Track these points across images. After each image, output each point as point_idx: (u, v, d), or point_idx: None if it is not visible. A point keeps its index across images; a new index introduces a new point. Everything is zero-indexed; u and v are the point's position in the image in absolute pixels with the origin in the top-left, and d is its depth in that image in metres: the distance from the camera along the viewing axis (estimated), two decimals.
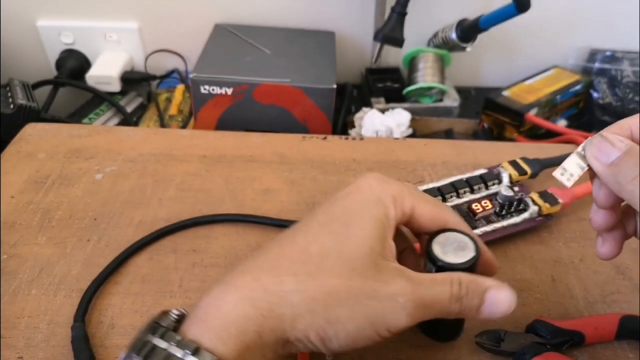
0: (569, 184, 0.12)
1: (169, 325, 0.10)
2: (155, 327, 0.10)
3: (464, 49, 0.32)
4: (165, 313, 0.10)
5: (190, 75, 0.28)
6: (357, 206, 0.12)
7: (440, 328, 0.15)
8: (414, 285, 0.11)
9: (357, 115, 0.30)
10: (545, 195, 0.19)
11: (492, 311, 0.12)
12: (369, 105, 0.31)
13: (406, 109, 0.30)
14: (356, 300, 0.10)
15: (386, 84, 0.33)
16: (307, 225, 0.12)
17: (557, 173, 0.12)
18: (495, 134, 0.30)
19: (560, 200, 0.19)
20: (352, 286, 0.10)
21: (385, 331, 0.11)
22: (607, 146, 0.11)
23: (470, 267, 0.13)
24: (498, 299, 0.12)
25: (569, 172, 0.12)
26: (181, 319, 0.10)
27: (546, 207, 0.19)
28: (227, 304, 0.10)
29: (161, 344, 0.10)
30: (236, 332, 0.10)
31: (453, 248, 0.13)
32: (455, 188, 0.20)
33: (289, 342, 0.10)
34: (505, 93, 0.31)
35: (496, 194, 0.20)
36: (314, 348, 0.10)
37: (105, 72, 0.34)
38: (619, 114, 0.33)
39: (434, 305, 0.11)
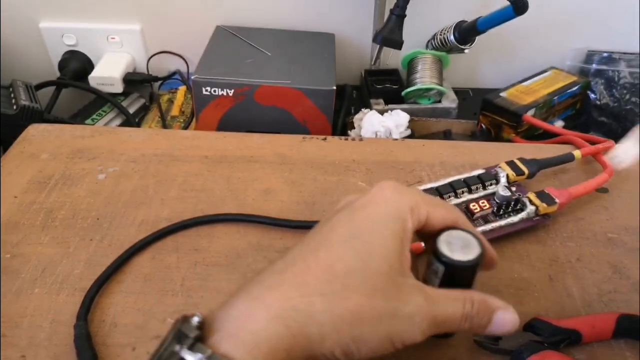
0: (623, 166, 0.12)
1: (194, 334, 0.10)
2: (180, 335, 0.10)
3: (462, 50, 0.33)
4: (186, 319, 0.10)
5: (192, 77, 0.28)
6: (376, 220, 0.12)
7: None
8: (430, 304, 0.12)
9: (357, 117, 0.30)
10: (543, 195, 0.20)
11: (496, 330, 0.12)
12: (368, 106, 0.32)
13: (405, 110, 0.30)
14: (379, 319, 0.11)
15: (385, 86, 0.33)
16: (328, 239, 0.12)
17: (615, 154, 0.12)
18: (493, 134, 0.31)
19: (557, 200, 0.19)
20: (376, 306, 0.11)
21: (400, 344, 0.11)
22: None
23: (477, 264, 0.13)
24: (504, 319, 0.12)
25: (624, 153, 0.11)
26: (201, 326, 0.10)
27: (543, 207, 0.19)
28: (258, 321, 0.10)
29: (190, 357, 0.09)
30: (267, 350, 0.10)
31: (459, 246, 0.14)
32: (453, 188, 0.20)
33: (314, 358, 0.10)
34: (503, 94, 0.31)
35: (494, 194, 0.20)
36: None
37: (107, 73, 0.34)
38: (616, 115, 0.33)
39: (446, 323, 0.12)
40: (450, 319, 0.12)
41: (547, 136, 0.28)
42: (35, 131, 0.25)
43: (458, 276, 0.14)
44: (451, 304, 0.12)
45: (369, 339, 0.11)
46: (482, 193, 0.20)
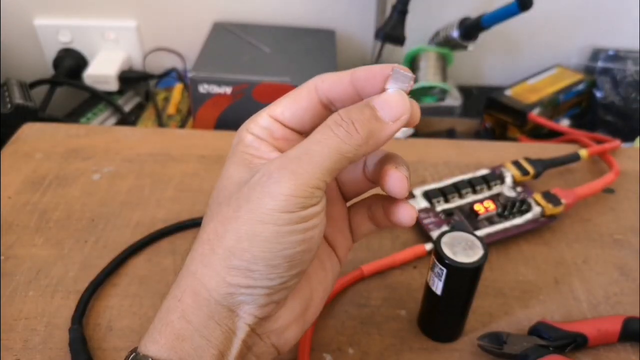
0: None
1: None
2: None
3: (465, 47, 0.32)
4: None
5: (189, 74, 0.28)
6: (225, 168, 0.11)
7: (440, 328, 0.15)
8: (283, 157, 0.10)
9: None
10: (548, 196, 0.19)
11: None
12: None
13: None
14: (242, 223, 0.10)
15: None
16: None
17: None
18: (497, 133, 0.30)
19: (563, 201, 0.19)
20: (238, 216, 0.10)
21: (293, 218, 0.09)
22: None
23: (480, 265, 0.13)
24: (387, 97, 0.10)
25: None
26: None
27: (549, 208, 0.19)
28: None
29: None
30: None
31: (462, 247, 0.13)
32: (457, 189, 0.20)
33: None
34: (508, 92, 0.30)
35: (499, 194, 0.20)
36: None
37: (102, 71, 0.34)
38: (622, 113, 0.33)
39: (315, 154, 0.10)
40: (314, 149, 0.10)
41: (552, 135, 0.28)
42: (29, 130, 0.25)
43: (461, 278, 0.14)
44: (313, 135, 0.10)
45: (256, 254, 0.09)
46: (487, 194, 0.20)
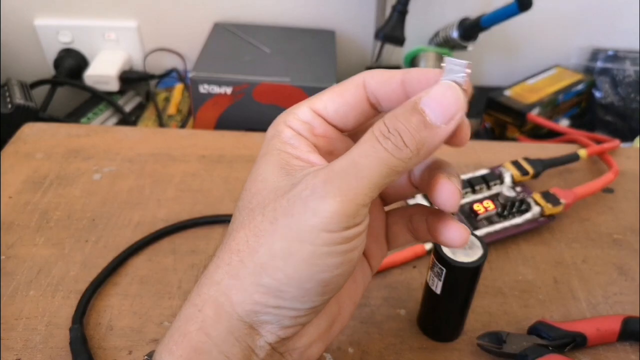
0: None
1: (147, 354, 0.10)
2: None
3: (465, 47, 0.32)
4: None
5: (189, 75, 0.28)
6: (257, 165, 0.10)
7: (439, 327, 0.15)
8: (322, 169, 0.09)
9: None
10: (548, 196, 0.19)
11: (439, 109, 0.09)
12: None
13: None
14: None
15: None
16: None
17: None
18: (497, 133, 0.30)
19: (562, 201, 0.19)
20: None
21: (319, 238, 0.09)
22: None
23: (479, 265, 0.13)
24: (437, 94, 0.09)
25: None
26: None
27: (548, 208, 0.19)
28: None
29: None
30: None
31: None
32: None
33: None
34: (507, 92, 0.30)
35: (498, 194, 0.20)
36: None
37: (103, 71, 0.34)
38: (621, 113, 0.33)
39: (361, 172, 0.09)
40: (361, 161, 0.09)
41: (552, 135, 0.28)
42: (30, 130, 0.25)
43: (461, 278, 0.14)
44: (358, 147, 0.09)
45: (284, 268, 0.09)
46: (486, 193, 0.20)
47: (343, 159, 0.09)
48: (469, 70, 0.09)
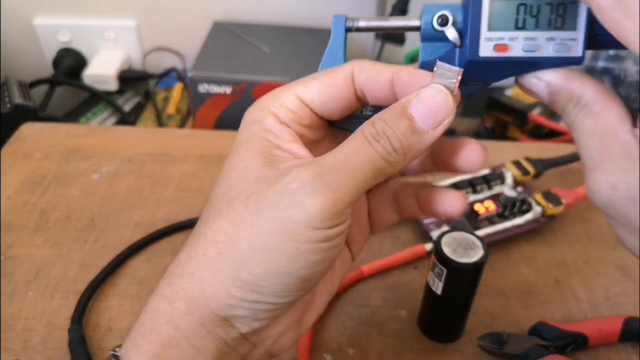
0: None
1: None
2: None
3: None
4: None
5: (189, 74, 0.28)
6: (233, 153, 0.09)
7: (440, 328, 0.15)
8: (312, 164, 0.09)
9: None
10: (549, 196, 0.19)
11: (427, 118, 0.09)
12: None
13: None
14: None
15: None
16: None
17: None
18: (498, 133, 0.30)
19: (563, 201, 0.19)
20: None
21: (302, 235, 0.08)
22: (538, 83, 0.09)
23: (480, 265, 0.13)
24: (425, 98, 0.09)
25: None
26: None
27: (550, 208, 0.19)
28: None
29: None
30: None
31: (462, 247, 0.13)
32: (458, 188, 0.20)
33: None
34: (508, 92, 0.30)
35: (499, 194, 0.20)
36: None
37: (102, 70, 0.34)
38: None
39: (349, 167, 0.08)
40: (350, 160, 0.08)
41: (553, 135, 0.28)
42: (28, 130, 0.24)
43: (462, 278, 0.14)
44: (347, 144, 0.09)
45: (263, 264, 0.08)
46: (487, 194, 0.20)
47: (334, 155, 0.09)
48: (460, 77, 0.09)
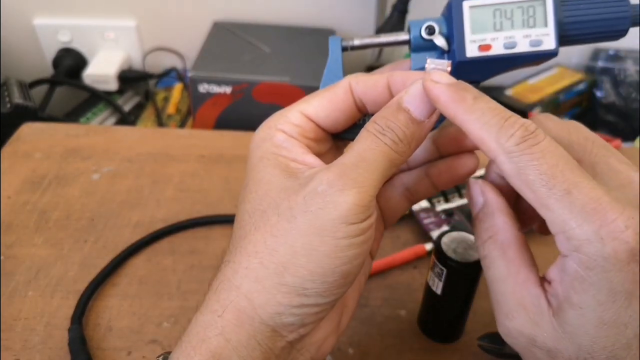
0: None
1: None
2: None
3: None
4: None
5: (189, 74, 0.28)
6: (250, 172, 0.10)
7: (440, 328, 0.15)
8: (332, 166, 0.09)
9: None
10: None
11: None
12: None
13: None
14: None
15: None
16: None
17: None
18: None
19: None
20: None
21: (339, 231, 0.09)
22: (470, 195, 0.10)
23: (480, 265, 0.13)
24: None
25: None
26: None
27: None
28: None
29: None
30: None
31: (462, 247, 0.13)
32: (457, 188, 0.20)
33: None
34: (508, 92, 0.31)
35: None
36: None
37: (102, 70, 0.34)
38: (622, 113, 0.33)
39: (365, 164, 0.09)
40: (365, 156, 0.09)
41: None
42: (28, 130, 0.24)
43: (462, 278, 0.14)
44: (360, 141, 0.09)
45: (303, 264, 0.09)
46: None
47: (350, 154, 0.10)
48: (449, 69, 0.10)
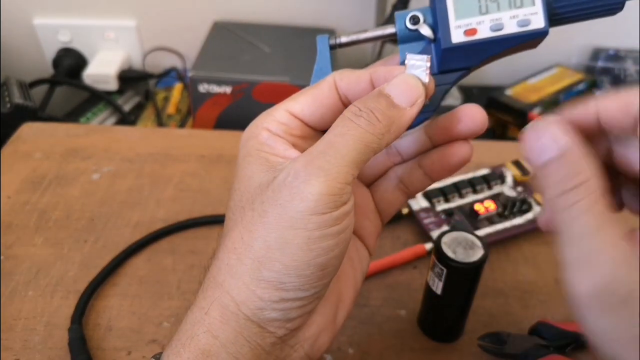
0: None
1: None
2: None
3: None
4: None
5: (189, 74, 0.28)
6: (238, 170, 0.10)
7: (440, 328, 0.15)
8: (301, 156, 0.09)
9: None
10: None
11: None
12: None
13: None
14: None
15: None
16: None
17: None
18: (498, 133, 0.30)
19: None
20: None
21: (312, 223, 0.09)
22: (539, 139, 0.08)
23: (480, 265, 0.13)
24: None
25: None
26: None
27: None
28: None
29: None
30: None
31: (462, 247, 0.13)
32: (457, 188, 0.20)
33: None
34: (508, 92, 0.30)
35: (499, 194, 0.20)
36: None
37: (102, 70, 0.34)
38: None
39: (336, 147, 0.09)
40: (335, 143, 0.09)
41: None
42: (28, 130, 0.25)
43: (461, 278, 0.14)
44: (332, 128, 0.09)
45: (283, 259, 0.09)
46: (487, 193, 0.20)
47: (319, 143, 0.09)
48: (428, 64, 0.10)
